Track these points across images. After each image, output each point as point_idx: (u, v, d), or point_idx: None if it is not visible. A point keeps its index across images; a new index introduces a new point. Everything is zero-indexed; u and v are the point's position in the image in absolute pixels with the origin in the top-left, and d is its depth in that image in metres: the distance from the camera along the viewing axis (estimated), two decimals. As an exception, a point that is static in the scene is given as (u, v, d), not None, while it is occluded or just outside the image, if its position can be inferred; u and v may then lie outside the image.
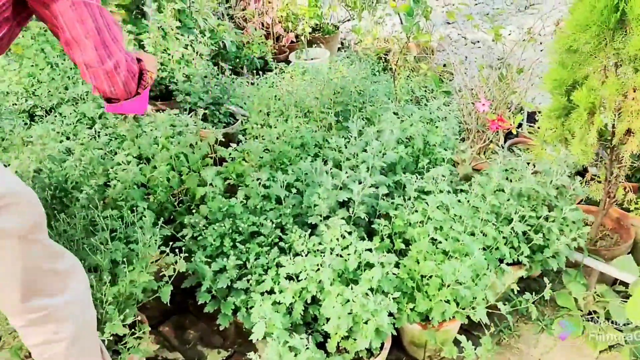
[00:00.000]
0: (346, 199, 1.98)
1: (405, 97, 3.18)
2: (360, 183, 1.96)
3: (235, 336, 2.19)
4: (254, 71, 4.20)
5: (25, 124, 2.52)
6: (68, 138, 2.30)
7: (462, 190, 2.16)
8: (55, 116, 2.50)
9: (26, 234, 1.29)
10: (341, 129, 2.68)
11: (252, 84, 3.46)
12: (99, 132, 2.26)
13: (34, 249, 1.32)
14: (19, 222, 1.26)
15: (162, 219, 1.92)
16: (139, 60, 1.42)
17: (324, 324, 1.80)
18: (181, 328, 2.24)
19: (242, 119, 3.25)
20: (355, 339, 1.77)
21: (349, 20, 5.31)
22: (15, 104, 2.62)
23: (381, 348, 1.83)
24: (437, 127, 2.37)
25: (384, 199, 2.03)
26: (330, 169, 2.00)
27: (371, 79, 2.96)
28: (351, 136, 2.16)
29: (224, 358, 2.11)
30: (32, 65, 2.84)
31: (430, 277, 1.82)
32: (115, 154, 2.26)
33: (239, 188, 2.31)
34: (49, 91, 2.73)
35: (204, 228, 2.00)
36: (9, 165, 2.09)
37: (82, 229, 1.81)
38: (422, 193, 2.08)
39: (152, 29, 3.25)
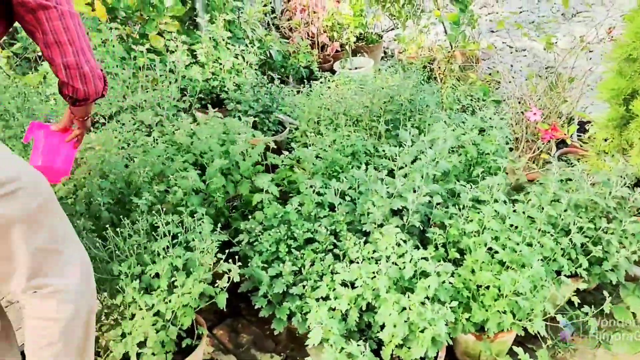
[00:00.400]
0: (400, 208, 1.99)
1: (453, 105, 3.17)
2: (414, 191, 1.97)
3: (288, 341, 2.22)
4: (300, 80, 4.26)
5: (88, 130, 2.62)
6: (128, 145, 2.39)
7: (516, 200, 2.14)
8: (117, 122, 2.59)
9: (33, 217, 1.37)
10: (390, 138, 2.69)
11: (299, 92, 3.51)
12: (156, 139, 2.33)
13: (40, 231, 1.40)
14: (26, 207, 1.35)
15: (218, 224, 1.97)
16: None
17: (378, 332, 1.81)
18: (235, 332, 2.28)
19: (290, 127, 3.30)
20: (409, 348, 1.77)
21: (392, 29, 5.32)
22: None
23: (435, 358, 1.83)
24: (489, 135, 2.36)
25: (438, 208, 2.04)
26: (384, 177, 2.02)
27: (419, 88, 2.96)
28: (405, 144, 2.17)
29: (277, 362, 2.14)
30: (93, 75, 2.95)
31: (487, 287, 1.81)
32: (172, 160, 2.33)
33: (290, 195, 2.35)
34: (109, 100, 2.83)
35: (260, 234, 2.05)
36: (75, 170, 2.19)
37: (145, 234, 1.87)
38: (476, 202, 2.07)
39: (204, 40, 3.34)
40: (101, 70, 1.54)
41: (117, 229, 1.82)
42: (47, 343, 1.45)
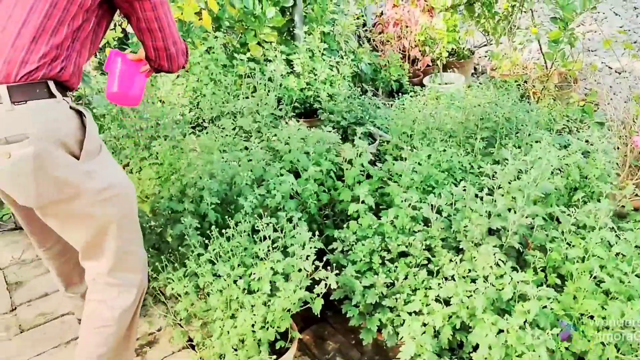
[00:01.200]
0: (498, 227, 1.96)
1: (549, 125, 3.09)
2: (514, 212, 1.93)
3: (374, 352, 2.22)
4: (390, 93, 4.28)
5: (191, 133, 2.76)
6: (231, 149, 2.49)
7: (620, 228, 2.05)
8: (217, 127, 2.72)
9: (123, 220, 1.60)
10: (486, 155, 2.65)
11: (390, 105, 3.53)
12: (258, 145, 2.41)
13: (125, 233, 1.62)
14: (120, 211, 1.58)
15: (311, 232, 2.02)
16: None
17: (470, 352, 1.78)
18: (321, 338, 2.32)
19: (379, 139, 3.32)
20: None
21: (484, 45, 5.24)
22: (182, 115, 2.87)
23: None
24: (594, 159, 2.27)
25: (538, 230, 1.98)
26: (484, 195, 1.99)
27: (517, 106, 2.90)
28: (504, 162, 2.14)
29: (361, 373, 2.15)
30: (197, 81, 3.11)
31: (591, 317, 1.74)
32: (268, 165, 2.41)
33: (382, 207, 2.36)
34: (211, 104, 2.97)
35: (354, 243, 2.07)
36: (179, 171, 2.31)
37: (247, 235, 1.95)
38: (578, 227, 2.00)
39: (301, 50, 3.43)
40: (185, 44, 1.75)
41: (222, 230, 1.91)
42: (101, 324, 1.66)
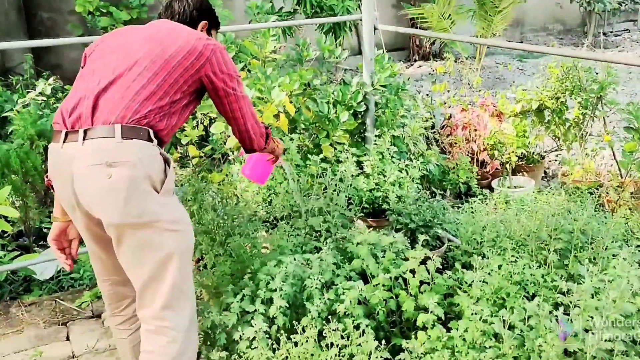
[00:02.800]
0: (575, 350, 1.88)
1: (626, 237, 2.99)
2: (592, 334, 1.85)
3: None
4: (457, 195, 4.30)
5: (265, 230, 2.88)
6: (301, 247, 2.57)
7: None
8: (288, 224, 2.81)
9: (184, 254, 1.84)
10: (559, 268, 2.59)
11: (458, 207, 3.54)
12: (329, 247, 2.47)
13: (182, 269, 1.83)
14: (183, 243, 1.85)
15: (377, 340, 2.01)
16: (267, 127, 2.27)
17: None
18: None
19: (447, 243, 3.31)
20: None
21: (555, 150, 5.22)
22: (255, 212, 3.00)
23: None
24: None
25: (620, 356, 1.89)
26: (559, 313, 1.94)
27: (592, 217, 2.84)
28: (580, 279, 2.08)
29: None
30: (272, 179, 3.26)
31: None
32: (339, 267, 2.45)
33: (448, 316, 2.32)
34: (283, 203, 3.09)
35: (422, 355, 2.04)
36: (252, 269, 2.39)
37: (313, 340, 1.96)
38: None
39: (372, 153, 3.55)
40: (265, 128, 2.24)
41: (289, 336, 1.94)
42: None
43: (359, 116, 3.88)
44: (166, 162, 1.85)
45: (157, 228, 1.78)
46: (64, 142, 1.80)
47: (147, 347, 1.85)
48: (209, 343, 2.25)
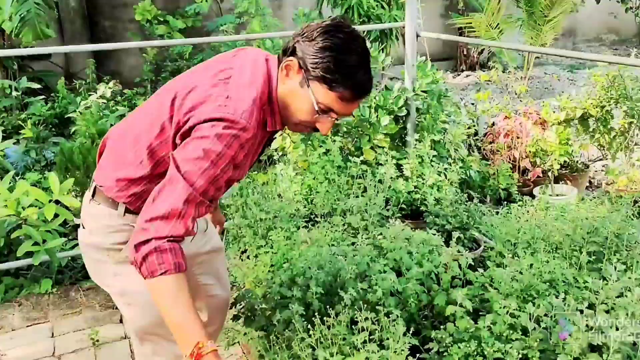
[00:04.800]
0: (599, 344, 1.94)
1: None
2: (617, 329, 1.91)
3: None
4: (498, 201, 4.33)
5: (305, 227, 3.02)
6: (338, 243, 2.69)
7: None
8: (327, 222, 2.95)
9: (138, 332, 1.76)
10: (592, 270, 2.62)
11: (497, 213, 3.59)
12: (364, 241, 2.59)
13: (148, 347, 1.78)
14: (136, 321, 1.75)
15: (409, 330, 2.11)
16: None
17: None
18: None
19: (484, 245, 3.37)
20: None
21: (600, 159, 5.17)
22: (297, 210, 3.16)
23: None
24: None
25: (644, 351, 1.93)
26: (584, 309, 2.00)
27: (629, 223, 2.86)
28: (609, 279, 2.13)
29: None
30: (313, 179, 3.42)
31: None
32: (373, 261, 2.57)
33: (480, 313, 2.40)
34: (324, 201, 3.24)
35: (449, 345, 2.13)
36: (290, 260, 2.54)
37: (346, 326, 2.09)
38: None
39: (411, 156, 3.66)
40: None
41: (324, 318, 2.07)
42: None
43: (400, 121, 4.00)
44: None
45: (115, 297, 1.78)
46: None
47: None
48: (249, 326, 2.40)
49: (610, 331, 1.88)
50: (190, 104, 1.51)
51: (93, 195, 1.67)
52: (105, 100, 4.97)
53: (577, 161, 4.93)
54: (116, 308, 3.21)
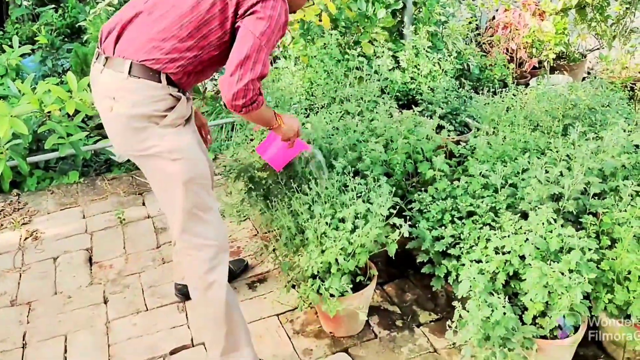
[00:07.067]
0: (557, 193, 2.21)
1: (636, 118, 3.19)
2: (571, 178, 2.17)
3: (446, 305, 2.55)
4: (494, 93, 4.50)
5: (306, 115, 3.28)
6: (337, 129, 2.96)
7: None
8: (327, 111, 3.20)
9: (188, 184, 1.90)
10: (563, 137, 2.85)
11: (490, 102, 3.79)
12: (356, 121, 2.85)
13: (190, 195, 1.91)
14: (184, 174, 1.88)
15: (395, 195, 2.40)
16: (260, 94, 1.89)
17: (523, 300, 2.05)
18: (401, 290, 2.68)
19: (474, 129, 3.60)
20: (550, 317, 1.99)
21: (597, 49, 5.25)
22: (299, 101, 3.40)
23: (576, 330, 2.02)
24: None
25: (594, 198, 2.21)
26: (543, 164, 2.26)
27: (607, 99, 3.05)
28: (573, 141, 2.38)
29: (434, 319, 2.49)
30: (315, 72, 3.63)
31: (629, 272, 1.96)
32: (366, 141, 2.83)
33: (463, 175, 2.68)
34: (323, 92, 3.46)
35: (429, 204, 2.43)
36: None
37: (337, 189, 2.38)
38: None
39: (407, 47, 3.82)
40: (259, 94, 1.85)
41: (317, 180, 2.37)
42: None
43: (397, 14, 4.12)
44: (178, 99, 1.87)
45: (159, 157, 1.88)
46: (96, 60, 1.92)
47: (180, 259, 2.24)
48: (250, 195, 2.71)
49: (566, 180, 2.14)
50: None
51: (129, 72, 1.81)
52: (113, 8, 5.10)
53: (574, 51, 5.03)
54: (139, 193, 3.57)
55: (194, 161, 1.93)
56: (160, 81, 1.82)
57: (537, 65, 4.77)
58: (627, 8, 4.49)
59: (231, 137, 3.73)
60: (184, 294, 2.57)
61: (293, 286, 2.37)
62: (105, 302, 2.65)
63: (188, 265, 2.03)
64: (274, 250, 2.52)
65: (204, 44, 1.84)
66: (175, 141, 1.88)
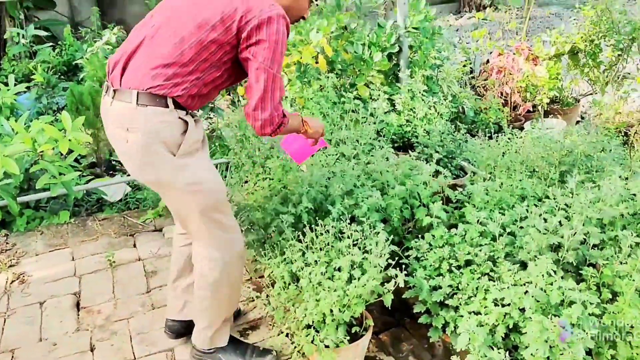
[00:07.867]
0: (556, 243, 2.17)
1: (633, 166, 3.19)
2: (571, 229, 2.14)
3: (443, 356, 2.49)
4: (490, 136, 4.52)
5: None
6: (332, 172, 2.94)
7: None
8: (322, 153, 3.17)
9: (206, 210, 2.01)
10: (561, 186, 2.84)
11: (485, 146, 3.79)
12: (353, 165, 2.82)
13: (205, 220, 2.04)
14: (204, 202, 1.99)
15: (392, 242, 2.35)
16: (284, 116, 2.01)
17: (524, 354, 2.00)
18: (397, 339, 2.61)
19: (470, 173, 3.59)
20: (552, 372, 1.93)
21: (591, 94, 5.31)
22: (293, 142, 3.38)
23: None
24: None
25: (594, 249, 2.17)
26: (542, 213, 2.23)
27: (602, 146, 3.06)
28: (571, 190, 2.36)
29: (430, 370, 2.42)
30: (311, 114, 3.62)
31: (632, 327, 1.91)
32: (362, 185, 2.80)
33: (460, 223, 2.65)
34: (319, 134, 3.45)
35: (427, 251, 2.39)
36: (286, 185, 2.77)
37: (333, 235, 2.34)
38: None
39: (403, 91, 3.84)
40: (275, 117, 1.95)
41: (313, 226, 2.32)
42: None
43: (393, 58, 4.15)
44: (188, 124, 1.93)
45: (176, 189, 1.95)
46: (105, 92, 1.97)
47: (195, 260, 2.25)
48: (247, 236, 2.66)
49: (565, 230, 2.11)
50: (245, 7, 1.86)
51: (137, 102, 1.85)
52: (110, 46, 5.14)
53: (568, 96, 5.08)
54: (131, 234, 3.50)
55: (212, 190, 2.02)
56: (167, 106, 1.87)
57: (531, 109, 4.80)
58: (619, 55, 4.56)
59: (225, 177, 3.69)
60: (174, 331, 2.50)
61: (287, 335, 2.31)
62: (92, 350, 2.56)
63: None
64: (267, 296, 2.46)
65: (204, 67, 1.89)
66: (193, 172, 1.95)
